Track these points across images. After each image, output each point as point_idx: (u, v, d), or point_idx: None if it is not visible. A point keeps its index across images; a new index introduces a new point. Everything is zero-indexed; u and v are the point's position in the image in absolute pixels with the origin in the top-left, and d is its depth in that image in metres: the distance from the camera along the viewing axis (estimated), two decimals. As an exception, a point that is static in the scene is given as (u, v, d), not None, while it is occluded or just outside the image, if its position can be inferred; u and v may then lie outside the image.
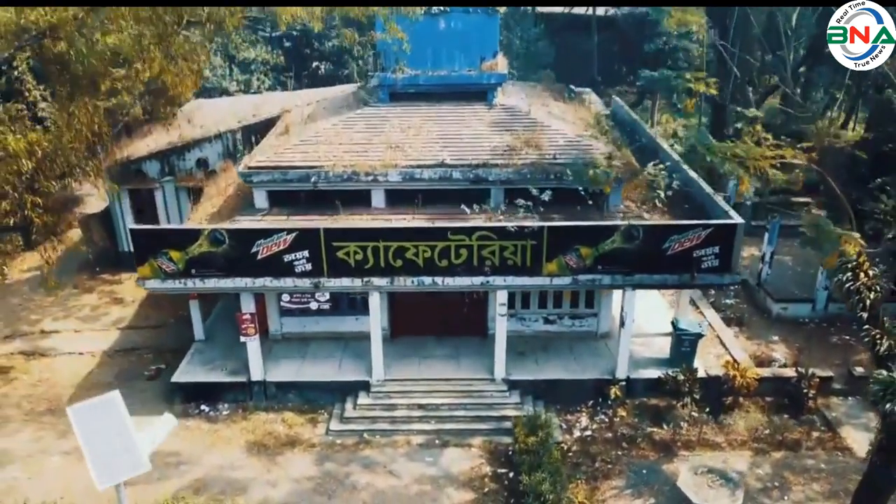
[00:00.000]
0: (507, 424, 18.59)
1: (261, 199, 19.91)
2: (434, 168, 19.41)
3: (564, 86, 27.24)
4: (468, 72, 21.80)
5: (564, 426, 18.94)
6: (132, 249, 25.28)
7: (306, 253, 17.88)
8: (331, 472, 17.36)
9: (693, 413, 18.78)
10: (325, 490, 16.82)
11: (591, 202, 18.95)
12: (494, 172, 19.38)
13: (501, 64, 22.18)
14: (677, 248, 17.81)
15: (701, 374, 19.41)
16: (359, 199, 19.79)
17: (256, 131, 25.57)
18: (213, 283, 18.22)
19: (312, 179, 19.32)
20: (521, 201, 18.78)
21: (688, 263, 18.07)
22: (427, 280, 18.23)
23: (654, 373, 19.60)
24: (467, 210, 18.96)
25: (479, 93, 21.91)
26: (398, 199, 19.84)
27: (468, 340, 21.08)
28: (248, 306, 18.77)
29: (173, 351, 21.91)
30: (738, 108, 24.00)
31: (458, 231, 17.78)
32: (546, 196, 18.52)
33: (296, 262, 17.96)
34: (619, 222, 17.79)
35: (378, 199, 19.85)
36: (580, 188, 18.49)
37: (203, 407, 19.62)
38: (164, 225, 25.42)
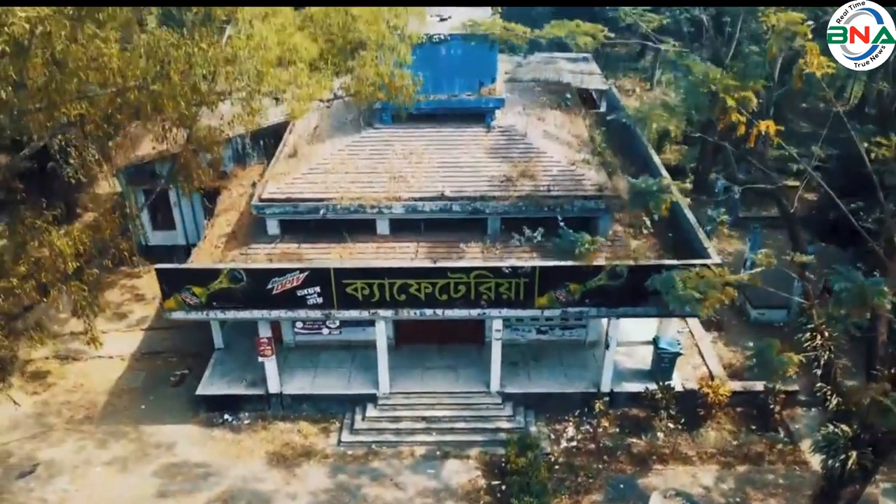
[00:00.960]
0: (502, 436, 20.71)
1: (273, 226, 21.32)
2: (435, 201, 20.74)
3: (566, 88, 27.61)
4: (468, 96, 22.73)
5: (553, 436, 21.05)
6: (147, 243, 26.92)
7: (318, 288, 19.48)
8: (343, 485, 19.56)
9: (669, 425, 20.88)
10: (339, 503, 19.05)
11: (585, 226, 20.41)
12: (491, 205, 20.72)
13: (500, 88, 23.07)
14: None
15: (678, 387, 21.37)
16: (365, 227, 21.21)
17: (264, 136, 26.54)
18: (232, 314, 19.91)
19: (321, 212, 20.69)
20: (515, 236, 20.25)
21: (669, 296, 19.65)
22: (428, 311, 19.90)
23: (635, 386, 21.54)
24: (464, 246, 20.43)
25: (478, 115, 22.93)
26: (402, 227, 21.25)
27: (467, 349, 22.92)
28: (265, 332, 20.54)
29: (194, 355, 23.81)
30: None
31: (456, 270, 19.31)
32: (538, 235, 19.99)
33: (308, 296, 19.59)
34: (604, 263, 19.25)
35: (383, 227, 21.25)
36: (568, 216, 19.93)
37: (226, 416, 21.68)
38: (180, 237, 26.87)
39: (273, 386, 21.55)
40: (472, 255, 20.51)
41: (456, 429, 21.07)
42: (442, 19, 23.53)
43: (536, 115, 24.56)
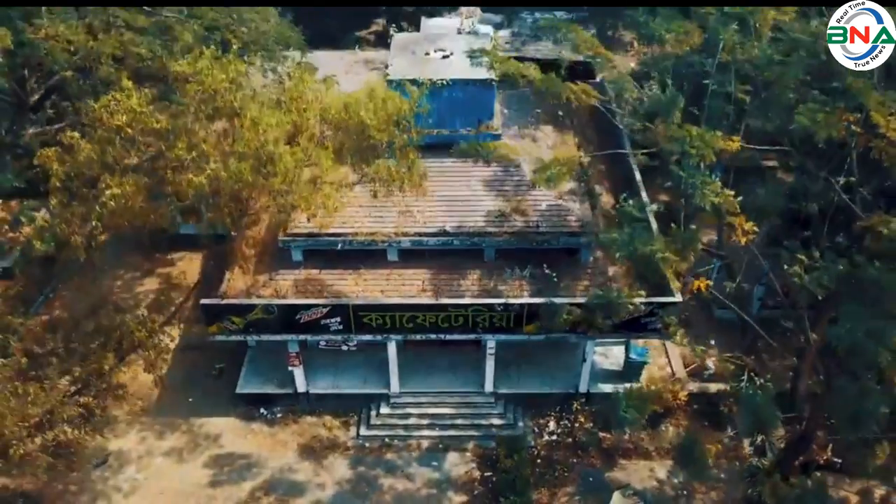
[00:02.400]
0: (494, 431, 24.79)
1: (297, 254, 24.45)
2: (437, 236, 23.78)
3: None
4: (467, 131, 25.27)
5: (537, 430, 25.13)
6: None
7: (338, 319, 22.93)
8: (363, 475, 23.80)
9: (636, 421, 24.81)
10: (360, 492, 23.33)
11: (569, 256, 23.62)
12: (487, 240, 23.79)
13: (496, 123, 25.50)
14: (626, 316, 22.72)
15: (644, 388, 25.18)
16: (378, 255, 24.35)
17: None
18: (266, 336, 23.49)
19: (339, 246, 23.78)
20: (507, 271, 23.50)
21: (638, 324, 23.10)
22: (432, 336, 23.45)
23: (608, 387, 25.35)
24: (461, 282, 23.71)
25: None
26: (409, 256, 24.36)
27: (464, 350, 26.54)
28: (293, 349, 24.18)
29: (229, 350, 27.47)
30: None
31: (457, 306, 22.69)
32: (527, 273, 23.23)
33: (330, 324, 23.07)
34: (582, 300, 22.51)
35: (393, 255, 24.37)
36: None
37: (262, 410, 25.68)
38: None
39: (301, 386, 25.42)
40: (471, 283, 23.80)
41: (455, 425, 25.12)
42: (444, 56, 25.70)
43: (530, 136, 27.07)
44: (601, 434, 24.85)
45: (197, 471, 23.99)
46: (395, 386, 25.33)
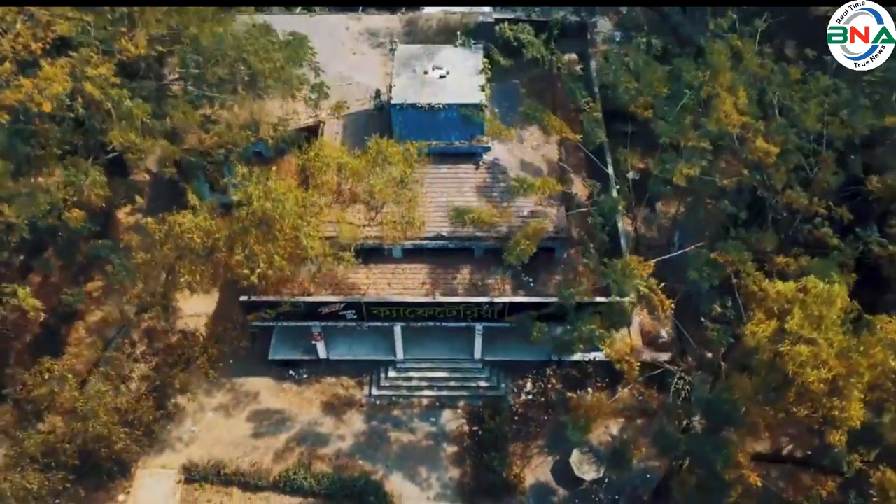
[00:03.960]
0: (481, 391, 30.36)
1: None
2: (434, 239, 28.23)
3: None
4: (461, 143, 29.07)
5: (515, 390, 30.69)
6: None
7: (353, 311, 27.90)
8: (375, 429, 29.61)
9: (597, 383, 30.33)
10: (373, 444, 29.21)
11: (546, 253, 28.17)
12: (477, 244, 28.27)
13: (487, 138, 29.20)
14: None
15: (604, 358, 30.46)
16: (385, 252, 28.88)
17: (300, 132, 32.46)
18: (293, 323, 28.55)
19: (352, 247, 28.27)
20: (493, 268, 28.18)
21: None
22: (430, 323, 28.49)
23: (577, 355, 30.59)
24: (455, 276, 28.37)
25: (470, 155, 29.40)
26: (411, 253, 28.88)
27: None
28: (316, 329, 29.33)
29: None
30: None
31: (451, 303, 27.55)
32: (508, 274, 27.89)
33: (346, 314, 28.06)
34: (553, 300, 27.21)
35: (397, 253, 28.91)
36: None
37: (290, 372, 31.15)
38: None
39: (322, 353, 30.77)
40: (463, 278, 28.51)
41: (449, 386, 30.66)
42: (441, 77, 29.03)
43: (517, 138, 30.77)
44: (568, 395, 30.41)
45: (241, 424, 29.79)
46: (400, 354, 30.63)
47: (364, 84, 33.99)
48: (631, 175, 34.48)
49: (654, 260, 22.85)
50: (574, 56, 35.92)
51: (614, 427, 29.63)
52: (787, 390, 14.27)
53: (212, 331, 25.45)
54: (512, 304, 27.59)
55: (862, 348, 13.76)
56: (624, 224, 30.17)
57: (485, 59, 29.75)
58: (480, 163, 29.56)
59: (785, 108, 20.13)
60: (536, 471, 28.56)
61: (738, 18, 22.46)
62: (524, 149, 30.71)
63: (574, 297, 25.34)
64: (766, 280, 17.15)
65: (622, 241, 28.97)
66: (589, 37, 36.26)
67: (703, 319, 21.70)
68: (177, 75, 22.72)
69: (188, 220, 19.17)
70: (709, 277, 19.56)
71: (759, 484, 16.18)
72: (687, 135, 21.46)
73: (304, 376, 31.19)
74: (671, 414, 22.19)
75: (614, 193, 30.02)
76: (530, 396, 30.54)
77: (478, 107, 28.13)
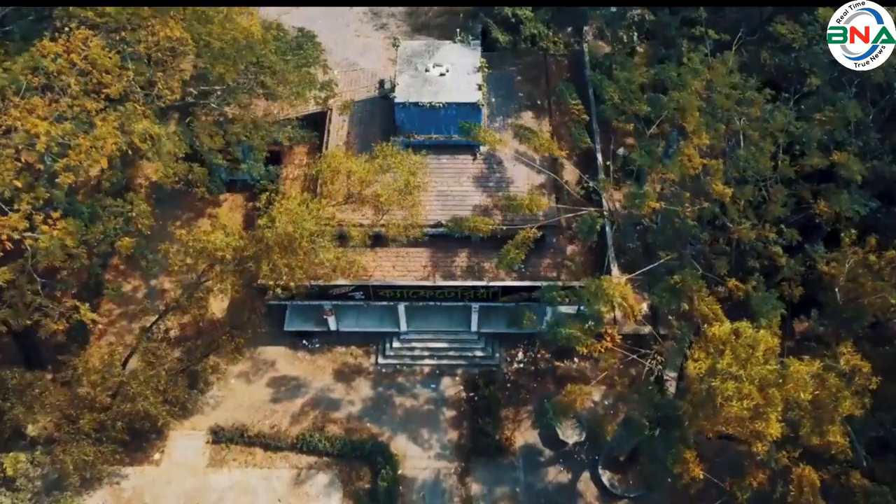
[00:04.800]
0: (477, 361, 33.55)
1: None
2: (435, 227, 30.83)
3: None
4: (459, 137, 31.30)
5: (508, 359, 33.89)
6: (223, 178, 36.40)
7: (361, 293, 30.77)
8: (382, 395, 32.93)
9: (582, 353, 33.45)
10: (379, 408, 32.58)
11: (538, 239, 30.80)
12: (474, 233, 30.87)
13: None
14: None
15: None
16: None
17: (308, 120, 34.58)
18: (306, 302, 31.46)
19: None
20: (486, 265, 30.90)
21: (584, 296, 30.85)
22: (431, 303, 31.41)
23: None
24: (454, 260, 31.10)
25: (468, 147, 31.70)
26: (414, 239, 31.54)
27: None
28: (327, 307, 32.28)
29: (275, 289, 35.45)
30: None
31: (450, 287, 30.40)
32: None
33: (355, 295, 30.95)
34: (539, 283, 29.96)
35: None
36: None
37: (304, 342, 34.28)
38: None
39: (332, 326, 33.82)
40: (461, 261, 31.24)
41: (448, 356, 33.84)
42: (441, 74, 31.04)
43: (511, 128, 32.94)
44: (556, 363, 33.64)
45: (261, 390, 33.08)
46: (403, 326, 33.68)
47: (369, 70, 35.99)
48: (621, 151, 36.98)
49: (633, 275, 25.38)
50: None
51: (597, 394, 32.91)
52: (718, 415, 17.26)
53: (234, 319, 28.19)
54: (505, 287, 30.42)
55: (780, 381, 16.68)
56: (611, 199, 32.53)
57: (483, 59, 31.56)
58: (478, 154, 31.86)
59: (747, 139, 22.42)
60: (526, 433, 31.99)
61: (711, 50, 24.48)
62: (519, 138, 32.85)
63: (556, 300, 28.05)
64: (717, 303, 19.88)
65: (608, 242, 31.29)
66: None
67: (669, 317, 24.52)
68: (197, 92, 24.80)
69: (220, 239, 21.77)
70: (668, 302, 22.28)
71: (701, 476, 19.39)
72: (657, 167, 23.78)
73: (317, 346, 34.33)
74: (643, 393, 25.28)
75: (601, 176, 32.49)
76: (521, 365, 33.78)
77: (475, 105, 30.26)
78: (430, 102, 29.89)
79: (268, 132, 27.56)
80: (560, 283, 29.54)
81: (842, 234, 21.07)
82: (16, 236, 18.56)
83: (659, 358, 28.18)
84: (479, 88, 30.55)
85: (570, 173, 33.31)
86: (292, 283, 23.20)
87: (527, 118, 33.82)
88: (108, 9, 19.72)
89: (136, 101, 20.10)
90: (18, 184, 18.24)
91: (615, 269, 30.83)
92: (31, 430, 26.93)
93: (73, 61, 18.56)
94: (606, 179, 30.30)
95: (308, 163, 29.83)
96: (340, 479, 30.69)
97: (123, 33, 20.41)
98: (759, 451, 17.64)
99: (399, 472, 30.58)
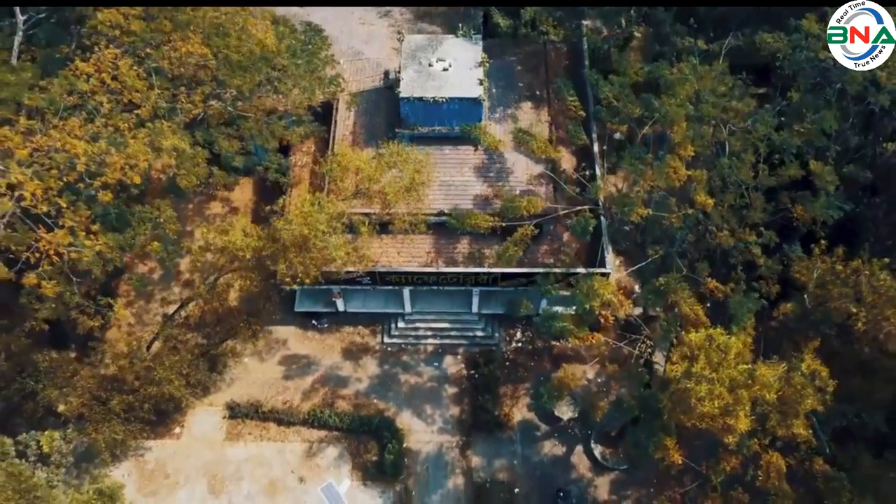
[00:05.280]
0: (477, 340, 35.45)
1: (335, 223, 33.27)
2: (438, 216, 32.42)
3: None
4: (461, 129, 32.68)
5: (507, 339, 35.77)
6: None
7: (368, 278, 32.50)
8: (388, 373, 34.90)
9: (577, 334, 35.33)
10: (385, 385, 34.58)
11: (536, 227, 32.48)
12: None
13: (485, 124, 32.78)
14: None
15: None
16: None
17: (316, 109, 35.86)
18: (316, 286, 33.14)
19: (367, 221, 32.53)
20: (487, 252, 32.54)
21: (579, 281, 32.58)
22: (434, 287, 33.17)
23: (560, 308, 35.42)
24: (456, 246, 32.74)
25: (469, 139, 33.08)
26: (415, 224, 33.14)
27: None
28: (335, 290, 34.05)
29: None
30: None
31: (452, 273, 32.11)
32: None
33: (363, 280, 32.68)
34: (539, 270, 31.67)
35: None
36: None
37: (314, 322, 36.14)
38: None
39: (340, 307, 35.65)
40: (463, 248, 32.89)
41: (451, 335, 35.72)
42: (445, 69, 32.29)
43: (511, 118, 34.26)
44: (552, 343, 35.51)
45: (273, 367, 35.05)
46: (408, 308, 35.50)
47: (374, 60, 37.18)
48: (617, 136, 38.38)
49: (627, 272, 27.06)
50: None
51: (591, 372, 34.84)
52: (693, 412, 19.04)
53: (250, 306, 30.06)
54: (504, 273, 32.11)
55: (749, 383, 18.44)
56: (606, 185, 33.97)
57: (484, 55, 32.76)
58: (479, 145, 33.25)
59: (730, 147, 23.89)
60: (523, 409, 34.03)
61: (700, 60, 25.72)
62: (519, 129, 34.18)
63: (550, 293, 29.78)
64: (699, 304, 21.52)
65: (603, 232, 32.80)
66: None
67: (655, 311, 26.27)
68: (214, 101, 26.14)
69: (240, 240, 23.41)
70: (653, 303, 23.96)
71: (681, 462, 21.30)
72: (645, 175, 25.25)
73: (326, 326, 36.20)
74: (632, 377, 27.15)
75: (598, 183, 33.92)
76: (519, 344, 35.67)
77: (476, 100, 31.61)
78: (433, 97, 31.23)
79: (279, 130, 28.97)
80: (556, 271, 31.28)
81: (812, 246, 22.65)
82: (62, 251, 20.24)
83: (648, 342, 29.94)
84: (481, 83, 31.85)
85: (567, 161, 34.81)
86: (307, 280, 24.90)
87: (526, 108, 35.14)
88: (133, 26, 21.08)
89: (162, 118, 21.55)
90: (63, 203, 19.84)
91: (609, 256, 32.42)
92: (61, 408, 28.88)
93: (103, 80, 19.98)
94: (599, 186, 31.74)
95: (316, 156, 31.17)
96: (349, 452, 32.82)
97: (148, 49, 21.77)
98: (729, 443, 19.52)
99: (404, 445, 32.70)
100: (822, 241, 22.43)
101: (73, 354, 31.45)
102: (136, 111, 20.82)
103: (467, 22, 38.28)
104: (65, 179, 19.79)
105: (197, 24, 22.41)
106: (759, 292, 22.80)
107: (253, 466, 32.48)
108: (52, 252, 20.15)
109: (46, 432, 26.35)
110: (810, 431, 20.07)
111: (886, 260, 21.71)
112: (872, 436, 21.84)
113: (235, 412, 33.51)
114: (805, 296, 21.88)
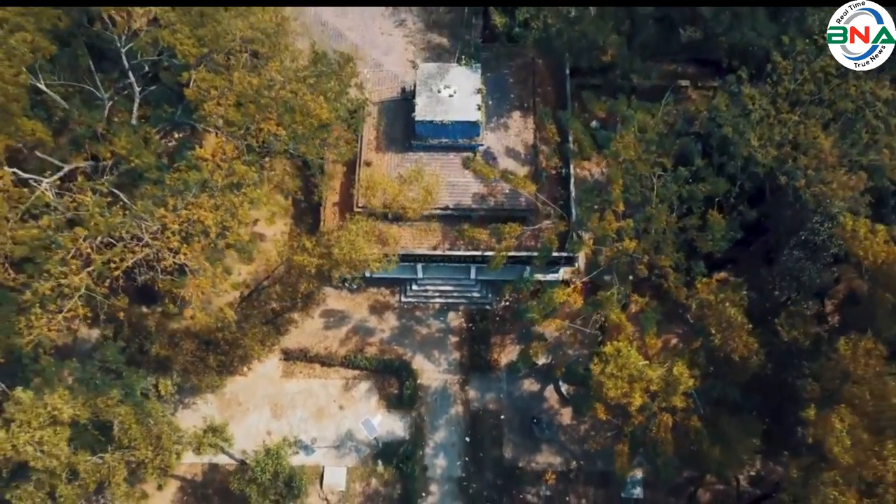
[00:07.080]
0: (475, 300, 45.35)
1: (363, 214, 42.43)
2: (444, 209, 41.52)
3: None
4: (463, 140, 41.27)
5: (498, 299, 45.65)
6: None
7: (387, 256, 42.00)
8: (406, 325, 45.00)
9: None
10: (404, 334, 44.75)
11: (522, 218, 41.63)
12: (474, 214, 41.60)
13: (482, 136, 41.33)
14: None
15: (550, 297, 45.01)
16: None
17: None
18: (350, 262, 42.78)
19: (388, 215, 41.69)
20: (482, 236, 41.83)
21: (558, 261, 42.05)
22: (441, 264, 42.76)
23: (540, 275, 45.13)
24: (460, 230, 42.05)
25: (470, 148, 41.72)
26: (427, 217, 42.18)
27: (460, 249, 45.78)
28: (364, 264, 43.63)
29: (322, 241, 46.69)
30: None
31: (456, 255, 41.61)
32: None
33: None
34: (522, 254, 41.04)
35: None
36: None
37: (346, 284, 45.86)
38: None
39: (366, 272, 45.34)
40: (465, 236, 42.18)
41: (454, 296, 45.60)
42: (450, 95, 40.54)
43: (503, 126, 42.70)
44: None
45: (317, 321, 45.08)
46: (420, 274, 45.20)
47: (392, 72, 45.11)
48: (594, 124, 47.28)
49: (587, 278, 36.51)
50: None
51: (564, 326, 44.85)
52: (606, 395, 28.98)
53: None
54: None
55: (641, 378, 28.24)
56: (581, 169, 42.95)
57: (482, 87, 40.88)
58: (477, 153, 41.94)
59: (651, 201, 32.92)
60: (509, 356, 44.34)
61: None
62: (509, 136, 42.79)
63: (528, 287, 39.18)
64: (623, 312, 31.33)
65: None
66: None
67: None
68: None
69: (306, 259, 32.73)
70: (593, 310, 33.73)
71: (605, 418, 31.41)
72: (593, 218, 34.30)
73: (355, 288, 46.00)
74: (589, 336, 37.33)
75: (571, 171, 42.69)
76: (507, 304, 45.58)
77: (475, 123, 40.09)
78: (441, 120, 39.69)
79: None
80: (534, 254, 40.66)
81: (695, 277, 32.14)
82: (202, 294, 29.64)
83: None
84: (479, 108, 40.16)
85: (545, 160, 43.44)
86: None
87: (516, 116, 43.45)
88: (231, 115, 29.34)
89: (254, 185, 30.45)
90: (206, 263, 28.95)
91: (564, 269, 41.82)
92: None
93: (217, 164, 28.59)
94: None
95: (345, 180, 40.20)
96: (376, 387, 43.49)
97: (242, 131, 30.22)
98: (633, 409, 29.48)
99: (418, 381, 43.26)
100: (703, 279, 31.69)
101: (159, 310, 41.45)
102: (243, 191, 29.65)
103: (468, 31, 46.12)
104: (202, 243, 28.90)
105: (272, 106, 30.62)
106: (672, 298, 32.45)
107: (304, 397, 43.20)
108: (198, 293, 29.66)
109: (163, 380, 36.52)
110: (691, 401, 30.14)
111: (743, 292, 30.74)
112: (733, 402, 31.96)
113: (289, 356, 43.88)
114: (688, 315, 31.45)
